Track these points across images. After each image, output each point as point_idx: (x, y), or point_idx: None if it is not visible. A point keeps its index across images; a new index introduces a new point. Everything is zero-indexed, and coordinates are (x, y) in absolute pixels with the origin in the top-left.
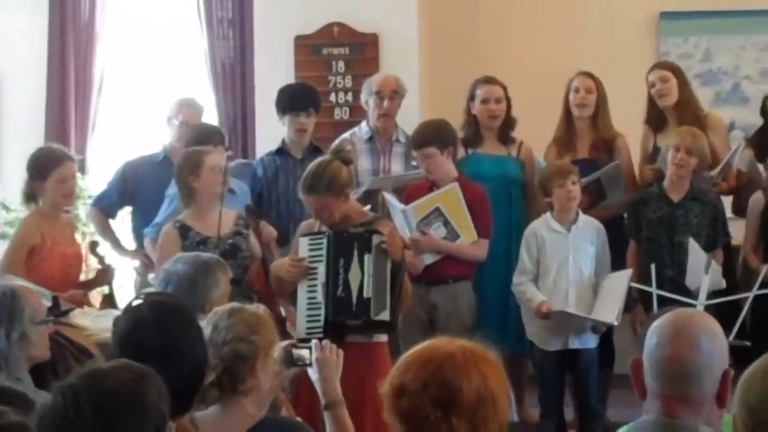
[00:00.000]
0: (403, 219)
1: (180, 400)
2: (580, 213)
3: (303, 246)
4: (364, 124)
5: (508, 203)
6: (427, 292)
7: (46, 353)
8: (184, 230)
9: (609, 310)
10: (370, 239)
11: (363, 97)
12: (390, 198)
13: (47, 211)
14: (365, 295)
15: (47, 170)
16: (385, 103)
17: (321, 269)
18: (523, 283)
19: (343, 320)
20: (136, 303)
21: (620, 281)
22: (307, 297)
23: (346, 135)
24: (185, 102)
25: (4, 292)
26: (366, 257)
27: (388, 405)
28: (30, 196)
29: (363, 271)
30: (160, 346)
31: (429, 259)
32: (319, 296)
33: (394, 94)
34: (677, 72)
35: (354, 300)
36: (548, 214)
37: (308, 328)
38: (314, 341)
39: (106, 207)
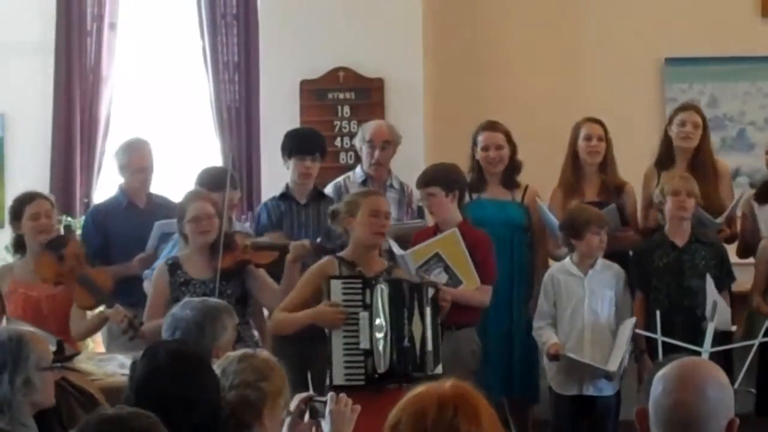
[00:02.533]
0: (402, 264)
1: None
2: (599, 257)
3: (336, 290)
4: (358, 168)
5: (510, 248)
6: None
7: (51, 400)
8: (173, 268)
9: (611, 358)
10: (427, 291)
11: (357, 142)
12: (393, 244)
13: (27, 256)
14: (427, 347)
15: (20, 209)
16: (377, 153)
17: (363, 315)
18: (541, 327)
19: (406, 371)
20: (153, 349)
21: (624, 330)
22: (343, 343)
23: (340, 179)
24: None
25: (9, 337)
26: (426, 309)
27: None
28: (17, 245)
29: (424, 324)
30: (177, 395)
31: None
32: (364, 343)
33: (386, 144)
34: (705, 119)
35: (418, 351)
36: (568, 258)
37: (347, 375)
38: (331, 394)
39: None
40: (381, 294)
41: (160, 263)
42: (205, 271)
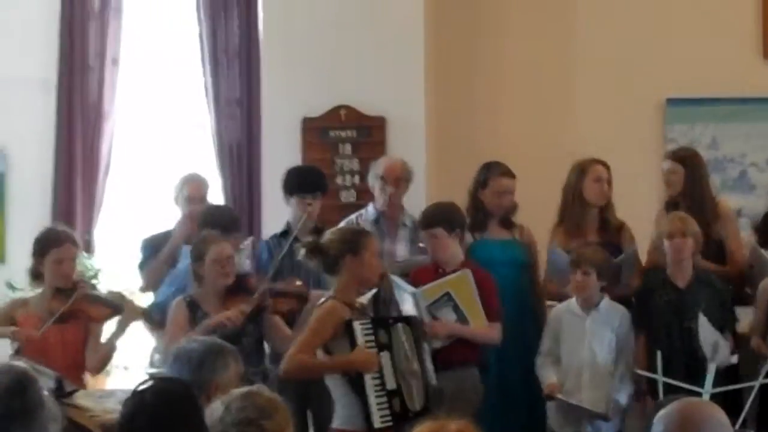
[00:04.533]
0: (412, 302)
1: None
2: (605, 298)
3: (359, 332)
4: (370, 206)
5: (520, 287)
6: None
7: None
8: (192, 306)
9: (605, 394)
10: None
11: (369, 180)
12: (399, 281)
13: (42, 292)
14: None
15: (47, 249)
16: (389, 189)
17: (385, 356)
18: (542, 365)
19: (434, 409)
20: (141, 388)
21: (619, 374)
22: (374, 385)
23: (352, 216)
24: (188, 177)
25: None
26: (425, 346)
27: None
28: (35, 274)
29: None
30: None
31: (438, 343)
32: (390, 384)
33: (398, 181)
34: (686, 161)
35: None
36: (573, 299)
37: (383, 417)
38: None
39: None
40: (402, 333)
41: (178, 299)
42: (222, 312)
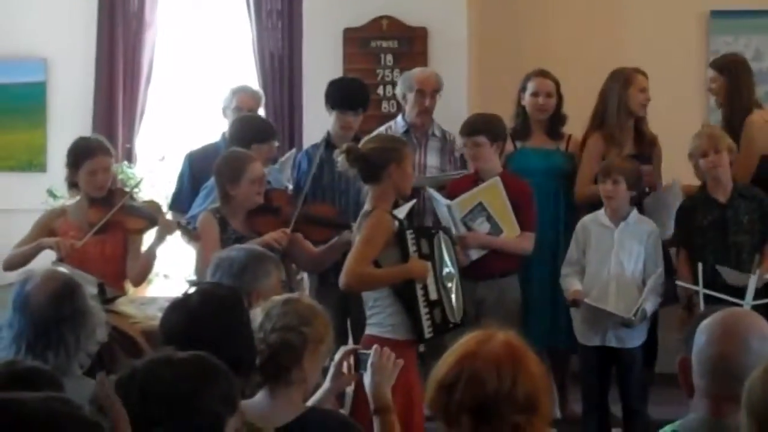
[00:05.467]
0: (447, 214)
1: None
2: (634, 211)
3: (410, 241)
4: (399, 118)
5: (555, 197)
6: (473, 287)
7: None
8: (222, 224)
9: (631, 305)
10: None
11: (400, 91)
12: (434, 194)
13: (80, 201)
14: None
15: (80, 161)
16: (427, 101)
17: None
18: (568, 274)
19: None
20: (185, 292)
21: (650, 281)
22: (422, 296)
23: (381, 129)
24: (239, 89)
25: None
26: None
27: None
28: (72, 183)
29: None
30: (204, 332)
31: (475, 254)
32: (432, 294)
33: (435, 92)
34: (724, 69)
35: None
36: (602, 210)
37: (431, 327)
38: (375, 347)
39: (183, 205)
40: (443, 243)
41: (206, 213)
42: (248, 230)
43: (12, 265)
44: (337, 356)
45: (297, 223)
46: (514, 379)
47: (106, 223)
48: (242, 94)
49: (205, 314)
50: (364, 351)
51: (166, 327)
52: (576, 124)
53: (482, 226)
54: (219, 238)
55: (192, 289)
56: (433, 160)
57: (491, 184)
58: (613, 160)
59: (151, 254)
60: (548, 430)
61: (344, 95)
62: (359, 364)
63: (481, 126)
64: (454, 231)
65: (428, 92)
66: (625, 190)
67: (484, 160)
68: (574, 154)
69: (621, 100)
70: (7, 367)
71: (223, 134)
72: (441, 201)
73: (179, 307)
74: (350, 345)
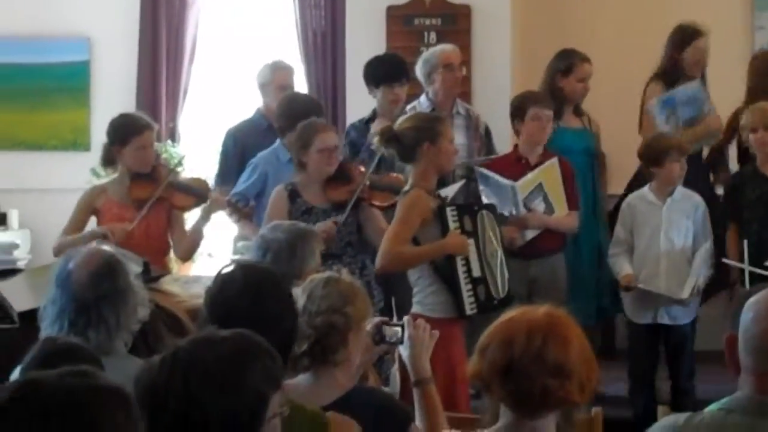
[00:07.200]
0: (509, 195)
1: None
2: (680, 186)
3: (451, 217)
4: (423, 98)
5: (592, 176)
6: (525, 266)
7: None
8: (293, 195)
9: (685, 285)
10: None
11: (425, 70)
12: (492, 174)
13: (119, 177)
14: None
15: (128, 137)
16: (457, 73)
17: (470, 242)
18: (617, 254)
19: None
20: (227, 268)
21: (699, 257)
22: (463, 272)
23: (406, 108)
24: (277, 65)
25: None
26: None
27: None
28: (108, 160)
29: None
30: (249, 310)
31: (530, 234)
32: (476, 271)
33: (462, 64)
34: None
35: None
36: (647, 187)
37: (470, 304)
38: (407, 318)
39: (228, 182)
40: (487, 220)
41: (279, 187)
42: (323, 201)
43: (62, 253)
44: (367, 328)
45: (362, 191)
46: (544, 342)
47: (151, 198)
48: (282, 71)
49: (248, 281)
50: (392, 323)
51: (207, 296)
52: (612, 103)
53: (539, 207)
54: (286, 212)
55: (230, 267)
56: (459, 138)
57: (551, 166)
58: (671, 141)
59: (198, 232)
60: (583, 400)
61: (386, 69)
62: (383, 338)
63: (549, 101)
64: (514, 211)
65: (456, 65)
66: (686, 167)
67: (545, 135)
68: (597, 133)
69: (677, 53)
70: (45, 344)
71: (258, 109)
72: (504, 183)
73: (225, 284)
74: (377, 318)
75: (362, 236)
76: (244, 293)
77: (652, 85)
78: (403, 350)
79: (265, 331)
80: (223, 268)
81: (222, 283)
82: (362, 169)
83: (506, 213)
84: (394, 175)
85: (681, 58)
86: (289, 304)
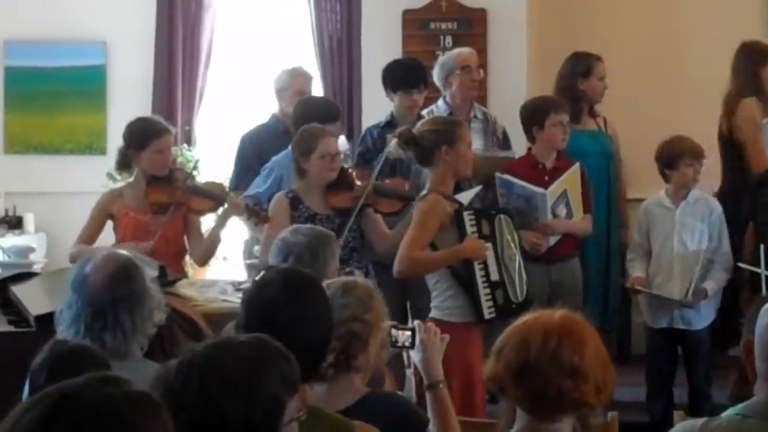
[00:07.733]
0: (539, 202)
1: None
2: (695, 190)
3: (468, 222)
4: (441, 102)
5: (607, 178)
6: (547, 270)
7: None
8: (295, 202)
9: (682, 287)
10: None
11: (442, 73)
12: (517, 180)
13: (135, 181)
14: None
15: (147, 141)
16: (474, 75)
17: (488, 247)
18: (633, 259)
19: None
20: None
21: (698, 259)
22: (481, 276)
23: (423, 112)
24: (296, 71)
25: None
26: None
27: (507, 382)
28: (124, 164)
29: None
30: (288, 313)
31: (553, 239)
32: (494, 275)
33: (479, 67)
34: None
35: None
36: (663, 191)
37: (489, 309)
38: (417, 322)
39: (244, 187)
40: (504, 224)
41: (279, 194)
42: (325, 207)
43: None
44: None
45: (367, 197)
46: (560, 343)
47: (170, 203)
48: (301, 78)
49: (283, 290)
50: (401, 327)
51: (245, 299)
52: (627, 106)
53: (563, 212)
54: (288, 219)
55: (268, 273)
56: (477, 142)
57: (575, 171)
58: (686, 144)
59: (215, 236)
60: (599, 403)
61: (405, 75)
62: (393, 342)
63: (567, 107)
64: (541, 218)
65: (473, 67)
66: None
67: (565, 141)
68: (613, 135)
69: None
70: (54, 347)
71: (274, 114)
72: (535, 190)
73: (264, 284)
74: (387, 322)
75: (365, 241)
76: (283, 294)
77: (747, 102)
78: (415, 354)
79: (301, 334)
80: (262, 276)
81: (261, 284)
82: (359, 182)
83: (532, 220)
84: (399, 181)
85: (761, 74)
86: (327, 307)
